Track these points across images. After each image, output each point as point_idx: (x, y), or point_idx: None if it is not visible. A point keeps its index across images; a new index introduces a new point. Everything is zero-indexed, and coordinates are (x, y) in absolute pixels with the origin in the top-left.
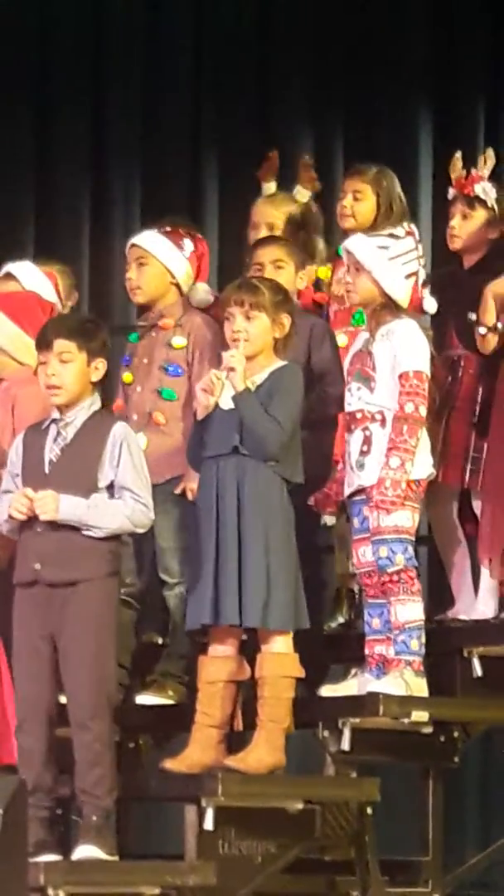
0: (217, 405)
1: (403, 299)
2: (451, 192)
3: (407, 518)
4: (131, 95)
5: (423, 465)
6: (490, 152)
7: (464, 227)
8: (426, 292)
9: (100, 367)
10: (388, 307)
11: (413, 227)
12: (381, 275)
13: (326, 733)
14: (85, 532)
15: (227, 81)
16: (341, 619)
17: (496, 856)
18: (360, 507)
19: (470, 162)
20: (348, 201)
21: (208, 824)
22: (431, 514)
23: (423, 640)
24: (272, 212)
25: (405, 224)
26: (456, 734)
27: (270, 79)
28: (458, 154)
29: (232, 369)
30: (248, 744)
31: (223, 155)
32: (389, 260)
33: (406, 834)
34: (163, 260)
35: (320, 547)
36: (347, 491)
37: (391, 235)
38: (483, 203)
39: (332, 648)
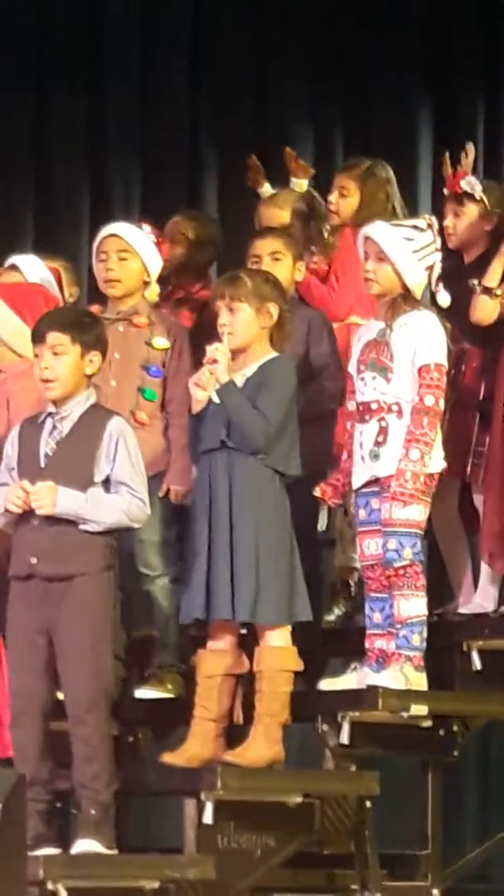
0: (210, 400)
1: (418, 290)
2: (446, 191)
3: (418, 511)
4: (130, 92)
5: (437, 459)
6: (470, 146)
7: (457, 225)
8: (441, 286)
9: (94, 360)
10: (406, 298)
11: (433, 219)
12: (404, 267)
13: (326, 727)
14: (81, 526)
15: (225, 79)
16: (338, 612)
17: (495, 849)
18: (369, 499)
19: (458, 160)
20: (334, 197)
21: (207, 818)
22: (433, 507)
23: (425, 635)
24: (277, 212)
25: (426, 216)
26: (455, 728)
27: (269, 77)
28: (447, 154)
29: (215, 361)
30: (247, 738)
31: (222, 152)
32: (413, 252)
33: (405, 828)
34: (143, 256)
35: (320, 541)
36: (358, 482)
37: (414, 227)
38: (471, 197)
39: (331, 642)
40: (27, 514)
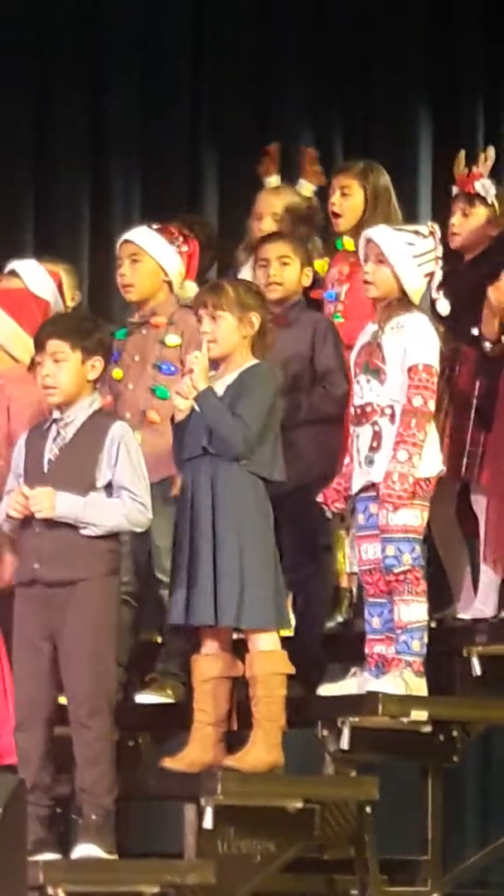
0: (192, 408)
1: (416, 296)
2: (454, 189)
3: (415, 517)
4: (130, 93)
5: (432, 462)
6: (490, 150)
7: (464, 225)
8: (440, 294)
9: (97, 365)
10: (402, 302)
11: (436, 226)
12: (403, 271)
13: (325, 732)
14: (82, 530)
15: (226, 79)
16: (340, 619)
17: (495, 855)
18: (367, 504)
19: (470, 160)
20: (336, 198)
21: (207, 823)
22: (431, 511)
23: (426, 641)
24: (276, 202)
25: (429, 223)
26: (455, 733)
27: (270, 77)
28: (462, 152)
29: (191, 370)
30: (246, 742)
31: (223, 153)
32: (413, 257)
33: (405, 833)
34: (156, 257)
35: (323, 545)
36: (356, 486)
37: (416, 232)
38: (483, 200)
39: (330, 647)
40: (29, 520)
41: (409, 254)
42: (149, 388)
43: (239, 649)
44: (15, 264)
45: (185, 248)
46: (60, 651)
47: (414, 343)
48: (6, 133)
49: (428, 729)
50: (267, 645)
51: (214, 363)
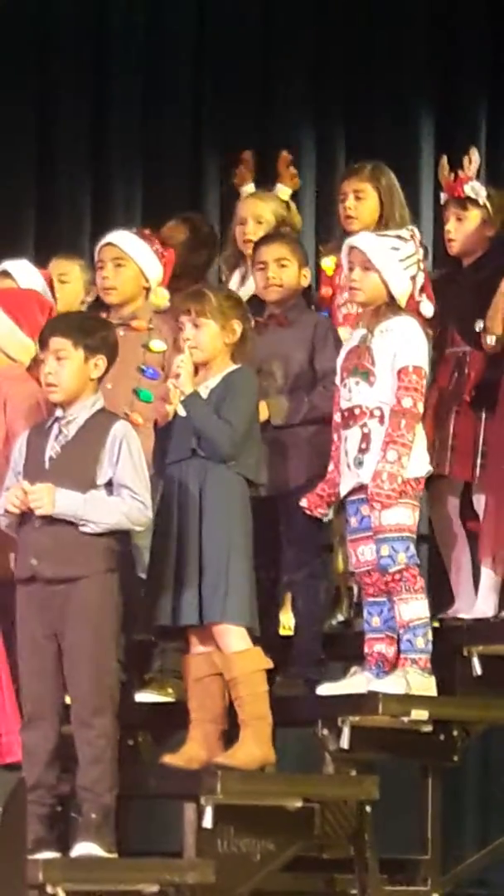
0: (176, 412)
1: (402, 299)
2: (443, 196)
3: (407, 516)
4: (132, 94)
5: (420, 463)
6: (474, 152)
7: (459, 230)
8: (424, 297)
9: (100, 363)
10: (390, 306)
11: (416, 229)
12: (390, 275)
13: (326, 731)
14: (81, 528)
15: (228, 81)
16: (341, 618)
17: (495, 855)
18: (358, 506)
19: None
20: (350, 202)
21: (207, 822)
22: (433, 511)
23: (430, 636)
24: (259, 204)
25: (409, 227)
26: (455, 733)
27: (272, 78)
28: (445, 158)
29: (178, 375)
30: (236, 740)
31: (224, 156)
32: (399, 261)
33: (405, 832)
34: (139, 262)
35: (323, 545)
36: (345, 489)
37: (399, 237)
38: (475, 202)
39: (331, 647)
40: (28, 516)
41: (394, 258)
42: (131, 389)
43: None
44: (6, 264)
45: (162, 254)
46: (63, 648)
47: (403, 345)
48: (8, 134)
49: (428, 728)
50: (240, 644)
51: (194, 368)
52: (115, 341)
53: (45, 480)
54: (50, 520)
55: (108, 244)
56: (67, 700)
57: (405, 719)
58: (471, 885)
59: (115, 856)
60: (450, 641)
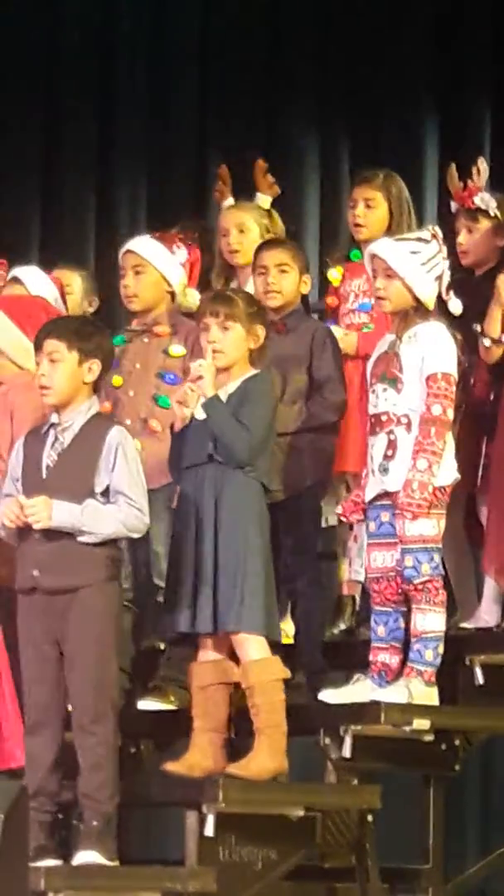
0: (193, 416)
1: (430, 302)
2: (453, 205)
3: (432, 526)
4: (137, 99)
5: (448, 471)
6: (482, 161)
7: (471, 241)
8: (451, 294)
9: (94, 368)
10: (417, 311)
11: (437, 228)
12: (414, 280)
13: (328, 740)
14: (80, 538)
15: (232, 87)
16: (343, 626)
17: (496, 864)
18: (379, 512)
19: (467, 172)
20: (360, 210)
21: (209, 830)
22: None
23: (440, 651)
24: (239, 213)
25: (430, 226)
26: (457, 742)
27: (276, 85)
28: (453, 166)
29: (200, 378)
30: (247, 748)
31: (229, 161)
32: (421, 265)
33: (406, 841)
34: (160, 268)
35: (322, 553)
36: (370, 495)
37: (419, 239)
38: (485, 213)
39: (333, 655)
40: (29, 527)
41: (416, 262)
42: (151, 396)
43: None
44: (17, 271)
45: (186, 256)
46: (65, 657)
47: (432, 352)
48: (13, 140)
49: (430, 738)
50: (258, 653)
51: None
52: (110, 348)
53: (42, 490)
54: (49, 531)
55: (128, 251)
56: (70, 707)
57: (407, 728)
58: (472, 895)
59: (116, 863)
60: (452, 650)
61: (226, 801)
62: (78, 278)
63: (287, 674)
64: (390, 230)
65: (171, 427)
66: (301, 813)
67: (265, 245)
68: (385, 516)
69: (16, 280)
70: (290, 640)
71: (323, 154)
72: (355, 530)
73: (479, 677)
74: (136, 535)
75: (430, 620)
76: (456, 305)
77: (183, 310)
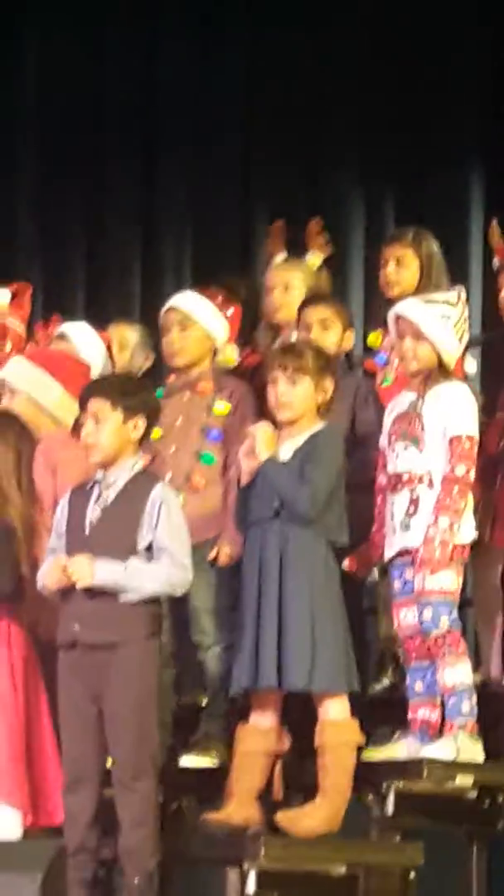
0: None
1: (453, 362)
2: (496, 261)
3: (451, 580)
4: (182, 159)
5: (468, 529)
6: None
7: None
8: (468, 354)
9: (139, 424)
10: (441, 371)
11: (462, 290)
12: (444, 345)
13: (370, 797)
14: (122, 596)
15: (277, 147)
16: (386, 682)
17: None
18: (403, 570)
19: None
20: (391, 268)
21: (250, 888)
22: (476, 576)
23: (475, 700)
24: (287, 272)
25: (456, 288)
26: (501, 799)
27: (321, 142)
28: (495, 221)
29: (252, 448)
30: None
31: (273, 216)
32: (452, 328)
33: None
34: (205, 324)
35: (364, 609)
36: (390, 553)
37: (446, 302)
38: None
39: (375, 711)
40: (71, 586)
41: (447, 327)
42: (194, 452)
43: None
44: (65, 326)
45: (229, 312)
46: (105, 713)
47: (455, 413)
48: (60, 197)
49: (473, 794)
50: (337, 713)
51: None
52: (156, 405)
53: (85, 547)
54: (92, 588)
55: (172, 309)
56: (110, 763)
57: (450, 785)
58: None
59: None
60: (495, 706)
61: (267, 857)
62: (134, 333)
63: (362, 739)
64: (420, 286)
65: (238, 480)
66: (343, 870)
67: (308, 301)
68: (409, 573)
69: (62, 337)
70: None
71: (368, 211)
72: (380, 587)
73: None
74: (179, 592)
75: (459, 673)
76: (470, 365)
77: (221, 365)
